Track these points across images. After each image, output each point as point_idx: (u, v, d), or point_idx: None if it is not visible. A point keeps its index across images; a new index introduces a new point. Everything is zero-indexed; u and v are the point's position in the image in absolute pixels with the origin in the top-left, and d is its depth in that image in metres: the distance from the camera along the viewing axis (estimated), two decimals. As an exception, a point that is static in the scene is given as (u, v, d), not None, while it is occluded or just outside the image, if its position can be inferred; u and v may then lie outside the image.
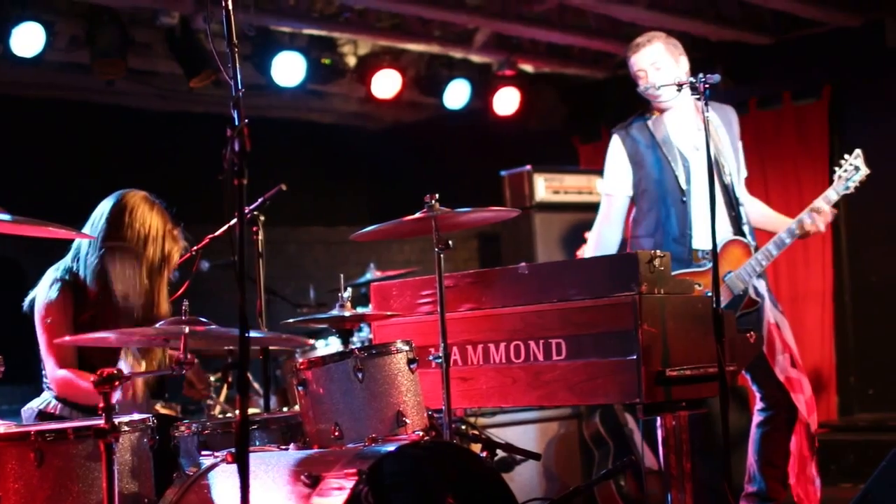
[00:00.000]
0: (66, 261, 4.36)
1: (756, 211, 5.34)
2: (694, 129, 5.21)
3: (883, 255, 8.08)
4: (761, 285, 5.07)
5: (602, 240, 5.32)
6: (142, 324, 4.28)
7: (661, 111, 5.23)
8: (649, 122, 5.22)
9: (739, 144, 5.31)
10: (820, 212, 4.99)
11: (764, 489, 5.09)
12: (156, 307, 4.38)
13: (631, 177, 5.24)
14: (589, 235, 5.59)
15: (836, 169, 5.11)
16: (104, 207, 4.37)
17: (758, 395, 5.17)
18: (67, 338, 3.73)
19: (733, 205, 5.11)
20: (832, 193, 5.04)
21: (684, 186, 5.08)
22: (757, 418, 5.16)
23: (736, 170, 5.20)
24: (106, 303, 4.28)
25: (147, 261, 4.33)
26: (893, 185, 7.56)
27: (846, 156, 5.10)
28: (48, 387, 4.30)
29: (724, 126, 5.21)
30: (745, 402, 5.88)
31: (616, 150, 5.30)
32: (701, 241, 5.00)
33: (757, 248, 5.05)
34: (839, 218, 8.15)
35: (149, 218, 4.35)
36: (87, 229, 4.33)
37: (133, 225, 4.31)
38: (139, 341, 3.86)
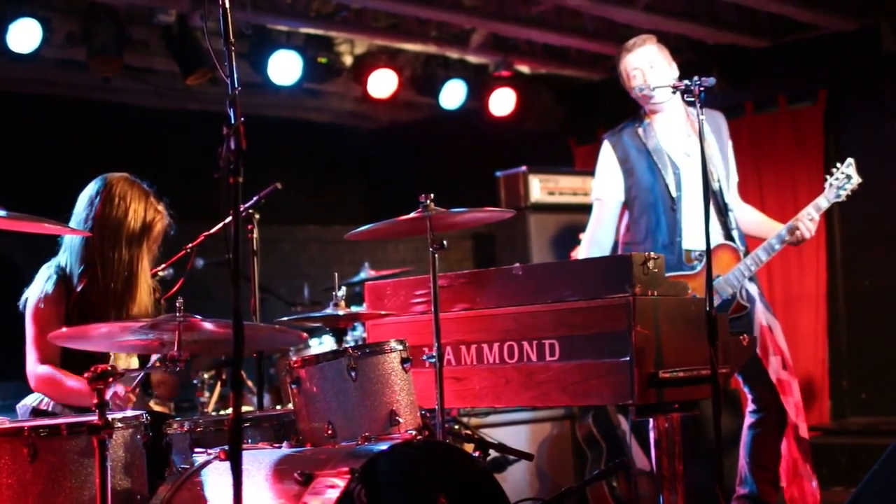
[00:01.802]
0: (57, 256, 4.35)
1: (747, 216, 5.35)
2: (684, 136, 5.22)
3: (876, 260, 8.09)
4: (752, 288, 5.08)
5: (595, 242, 5.34)
6: (123, 303, 4.25)
7: (653, 113, 5.24)
8: (640, 130, 5.23)
9: (730, 150, 5.33)
10: (811, 219, 5.00)
11: (755, 491, 5.10)
12: (135, 280, 4.30)
13: (622, 183, 5.26)
14: (582, 237, 5.61)
15: (828, 177, 5.08)
16: (86, 191, 4.37)
17: (749, 397, 5.18)
18: (64, 329, 3.71)
19: (722, 210, 5.14)
20: (823, 201, 5.03)
21: (674, 194, 5.10)
22: (748, 420, 5.18)
23: (725, 175, 5.21)
24: (91, 285, 4.22)
25: (126, 230, 4.29)
26: (887, 189, 7.59)
27: (838, 164, 5.09)
28: None
29: (714, 133, 5.20)
30: (737, 405, 5.88)
31: (607, 157, 5.32)
32: (691, 243, 5.02)
33: (746, 253, 5.06)
34: (833, 222, 8.17)
35: (129, 192, 4.33)
36: (72, 220, 4.32)
37: (113, 200, 4.29)
38: (133, 346, 3.84)
